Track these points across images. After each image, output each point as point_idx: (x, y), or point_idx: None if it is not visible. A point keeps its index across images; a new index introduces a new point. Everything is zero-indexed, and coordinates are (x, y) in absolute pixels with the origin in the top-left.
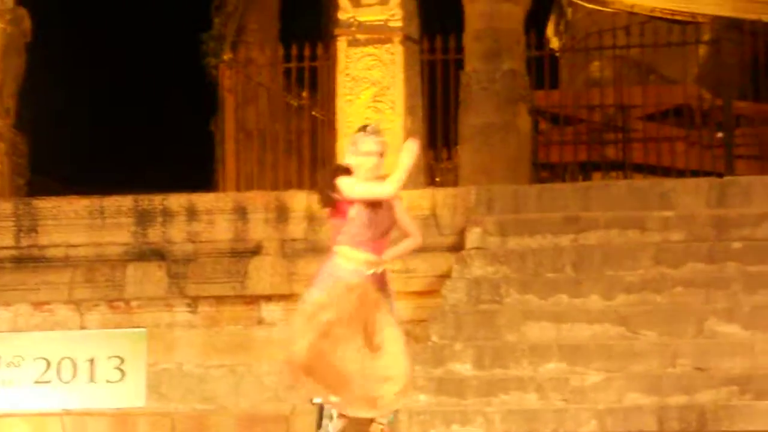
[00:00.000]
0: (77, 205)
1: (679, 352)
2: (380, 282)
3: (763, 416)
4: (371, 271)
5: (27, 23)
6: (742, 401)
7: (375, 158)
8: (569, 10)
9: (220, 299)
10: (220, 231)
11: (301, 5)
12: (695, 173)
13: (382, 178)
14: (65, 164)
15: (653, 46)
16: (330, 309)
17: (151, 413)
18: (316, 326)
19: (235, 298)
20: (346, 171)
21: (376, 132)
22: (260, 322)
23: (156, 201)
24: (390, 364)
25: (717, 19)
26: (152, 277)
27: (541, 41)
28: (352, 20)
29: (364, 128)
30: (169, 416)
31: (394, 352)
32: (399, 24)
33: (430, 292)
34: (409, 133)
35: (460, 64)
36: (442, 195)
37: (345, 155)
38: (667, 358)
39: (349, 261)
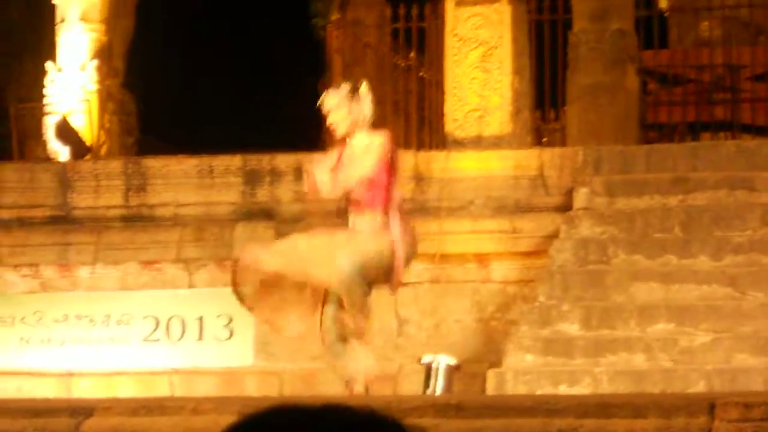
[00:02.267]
0: (186, 164)
1: None
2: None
3: None
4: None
5: None
6: None
7: (329, 117)
8: None
9: None
10: None
11: None
12: None
13: (347, 135)
14: (174, 124)
15: (763, 7)
16: None
17: (259, 372)
18: None
19: None
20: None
21: (334, 90)
22: None
23: (264, 160)
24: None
25: None
26: (260, 236)
27: (650, 1)
28: None
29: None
30: (277, 375)
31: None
32: None
33: (537, 253)
34: (516, 93)
35: (567, 24)
36: (549, 155)
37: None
38: None
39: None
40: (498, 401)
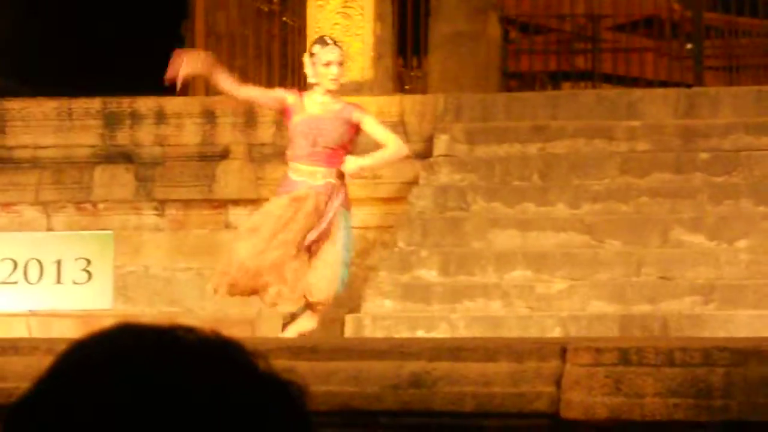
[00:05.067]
0: (46, 106)
1: (644, 261)
2: (333, 192)
3: (725, 325)
4: (322, 182)
5: None
6: (705, 310)
7: (336, 68)
8: None
9: (187, 203)
10: (189, 134)
11: None
12: (664, 84)
13: (335, 90)
14: (33, 67)
15: None
16: (273, 218)
17: (117, 315)
18: (258, 234)
19: (202, 201)
20: None
21: (335, 42)
22: (227, 226)
23: (125, 103)
24: (314, 280)
25: None
26: (120, 179)
27: None
28: None
29: (321, 39)
30: (135, 318)
31: (322, 272)
32: None
33: (397, 199)
34: (378, 39)
35: None
36: (410, 102)
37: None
38: (632, 267)
39: (296, 173)
40: (352, 344)
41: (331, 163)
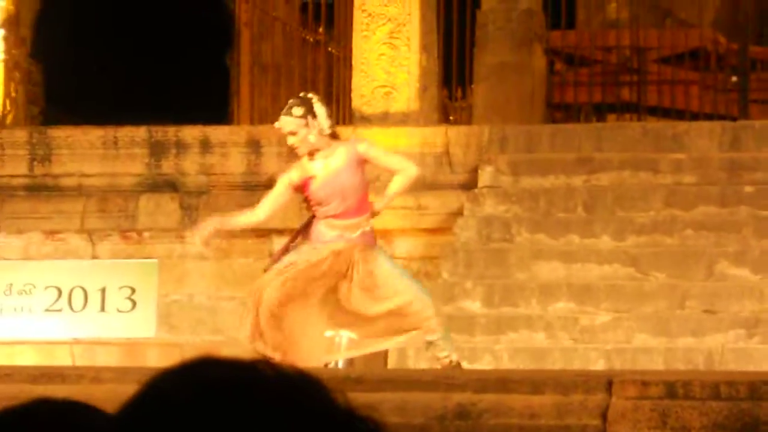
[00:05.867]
0: (91, 134)
1: (688, 294)
2: (370, 239)
3: None
4: (358, 233)
5: None
6: (749, 344)
7: (290, 138)
8: None
9: (231, 232)
10: (234, 164)
11: None
12: (709, 117)
13: (313, 153)
14: (78, 94)
15: None
16: (309, 265)
17: (161, 343)
18: (288, 279)
19: (246, 231)
20: None
21: (289, 109)
22: (271, 255)
23: (170, 132)
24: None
25: None
26: (165, 208)
27: None
28: None
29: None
30: (179, 347)
31: (412, 296)
32: None
33: (441, 230)
34: (424, 70)
35: (476, 3)
36: (455, 133)
37: None
38: (676, 300)
39: (332, 228)
40: (398, 375)
41: (362, 209)
